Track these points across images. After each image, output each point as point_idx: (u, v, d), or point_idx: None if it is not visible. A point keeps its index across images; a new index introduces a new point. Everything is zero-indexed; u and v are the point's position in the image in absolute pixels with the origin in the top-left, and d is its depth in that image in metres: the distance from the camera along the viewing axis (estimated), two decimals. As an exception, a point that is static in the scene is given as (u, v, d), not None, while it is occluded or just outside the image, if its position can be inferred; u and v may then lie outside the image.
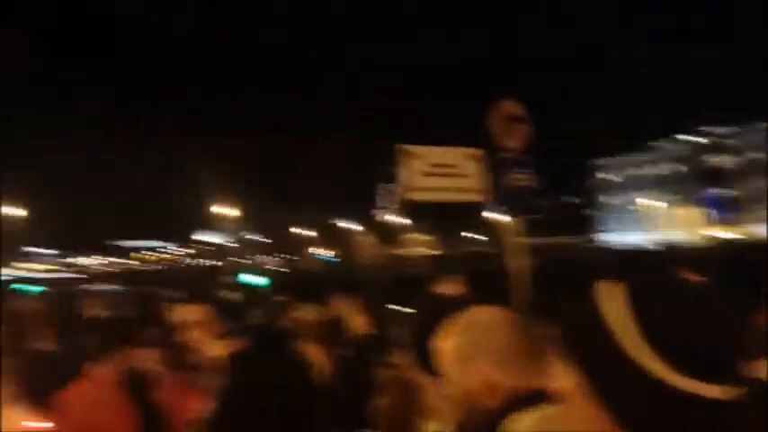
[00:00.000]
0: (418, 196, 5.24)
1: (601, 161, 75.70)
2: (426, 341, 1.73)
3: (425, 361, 1.76)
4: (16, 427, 2.63)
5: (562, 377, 1.06)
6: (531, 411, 1.35)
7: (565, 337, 1.07)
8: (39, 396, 2.85)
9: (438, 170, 5.17)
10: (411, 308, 1.87)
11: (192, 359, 3.17)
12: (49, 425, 2.62)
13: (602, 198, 76.06)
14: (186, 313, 3.30)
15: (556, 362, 1.08)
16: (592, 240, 67.09)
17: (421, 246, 72.21)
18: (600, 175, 76.69)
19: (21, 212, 43.11)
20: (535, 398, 1.35)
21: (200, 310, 3.34)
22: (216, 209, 51.11)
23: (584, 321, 1.04)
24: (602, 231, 70.45)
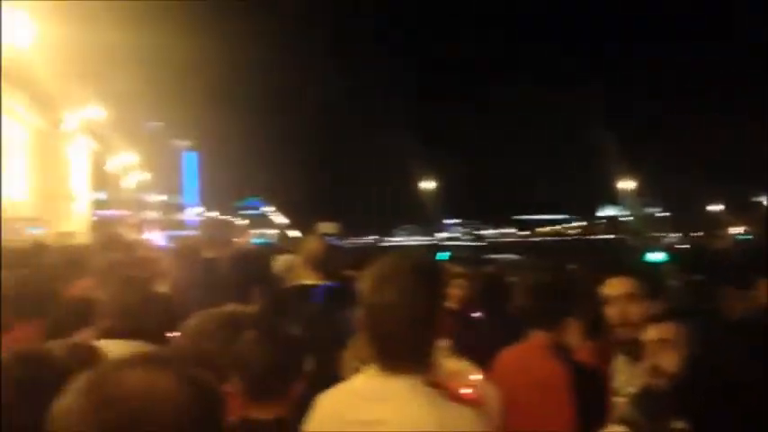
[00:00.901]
0: None
1: None
2: None
3: None
4: (452, 375, 2.86)
5: None
6: None
7: None
8: (473, 355, 3.07)
9: None
10: None
11: (620, 334, 3.08)
12: (481, 377, 2.81)
13: None
14: (613, 286, 3.22)
15: None
16: None
17: None
18: None
19: (437, 187, 48.02)
20: None
21: (627, 284, 3.21)
22: (617, 183, 49.93)
23: None
24: None
